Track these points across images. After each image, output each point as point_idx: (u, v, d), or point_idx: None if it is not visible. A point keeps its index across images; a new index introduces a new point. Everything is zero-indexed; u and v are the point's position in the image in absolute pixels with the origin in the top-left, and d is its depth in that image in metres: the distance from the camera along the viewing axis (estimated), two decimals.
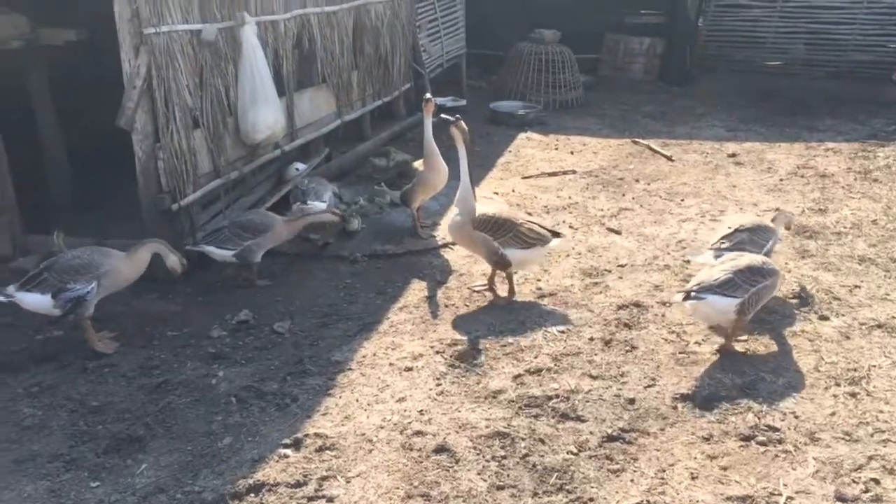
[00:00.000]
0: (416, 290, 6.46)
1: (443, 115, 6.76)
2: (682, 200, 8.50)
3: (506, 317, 5.93)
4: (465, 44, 14.03)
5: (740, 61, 15.35)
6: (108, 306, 5.89)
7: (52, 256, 5.70)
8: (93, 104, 7.81)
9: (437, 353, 5.43)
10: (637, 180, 9.26)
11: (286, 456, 4.38)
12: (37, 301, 5.37)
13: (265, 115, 7.15)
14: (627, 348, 5.47)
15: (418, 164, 7.68)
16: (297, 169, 8.26)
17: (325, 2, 8.69)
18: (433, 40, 12.41)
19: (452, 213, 6.27)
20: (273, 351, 5.55)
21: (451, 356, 5.37)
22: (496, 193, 8.73)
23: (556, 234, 6.19)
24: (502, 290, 6.29)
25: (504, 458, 4.32)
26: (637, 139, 11.04)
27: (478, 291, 6.34)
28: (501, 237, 5.96)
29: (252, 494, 4.10)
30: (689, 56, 15.22)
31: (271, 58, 7.55)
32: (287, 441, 4.50)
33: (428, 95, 7.40)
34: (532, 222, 6.12)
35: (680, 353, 5.38)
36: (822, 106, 12.96)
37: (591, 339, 5.59)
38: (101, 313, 5.69)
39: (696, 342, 5.51)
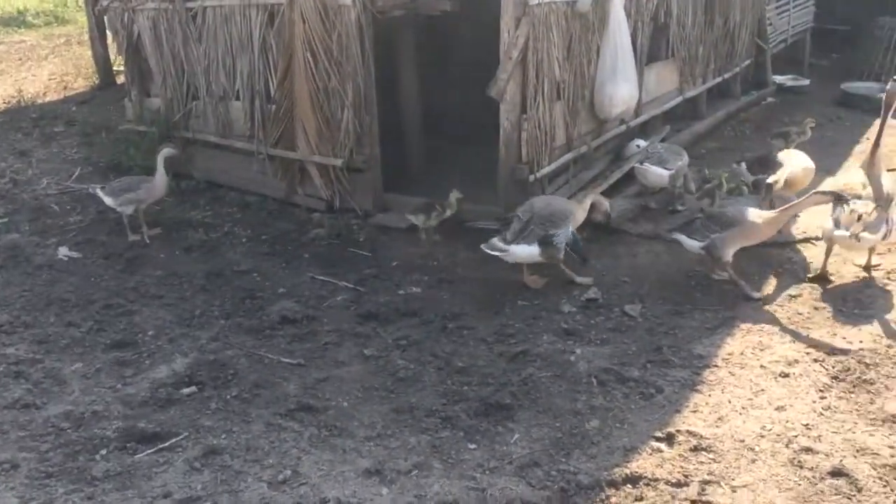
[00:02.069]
0: (778, 286, 5.93)
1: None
2: None
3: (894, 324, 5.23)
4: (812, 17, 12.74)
5: None
6: (461, 273, 6.12)
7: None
8: (464, 74, 8.07)
9: (816, 361, 4.91)
10: None
11: (660, 450, 4.19)
12: (525, 251, 5.73)
13: (623, 90, 6.95)
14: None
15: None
16: (637, 146, 7.97)
17: None
18: (781, 12, 11.40)
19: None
20: (627, 334, 5.38)
21: (833, 367, 4.83)
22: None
23: None
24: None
25: None
26: None
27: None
28: None
29: (629, 485, 3.96)
30: None
31: (631, 30, 7.30)
32: (659, 434, 4.31)
33: None
34: None
35: None
36: None
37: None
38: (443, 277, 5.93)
39: None
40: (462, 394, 4.78)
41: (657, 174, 6.87)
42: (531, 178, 6.37)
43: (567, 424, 4.45)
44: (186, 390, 4.85)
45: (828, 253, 5.92)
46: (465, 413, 4.59)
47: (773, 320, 5.44)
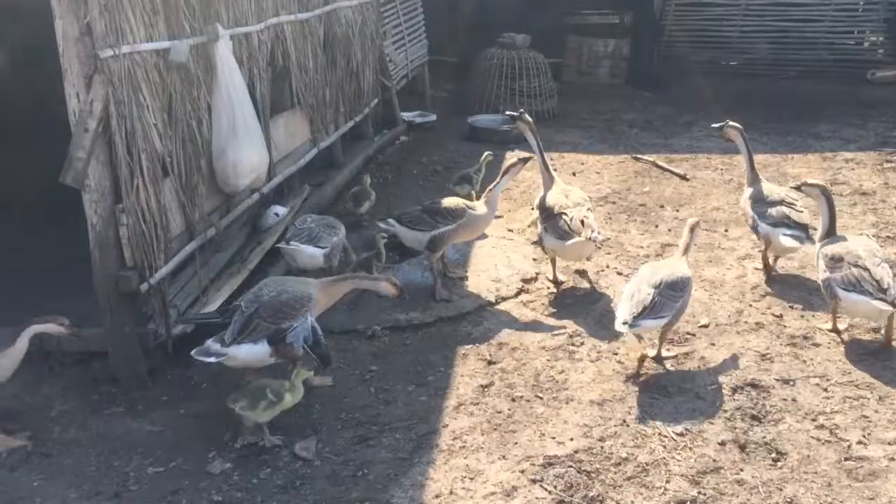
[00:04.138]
0: (466, 376, 5.05)
1: (507, 112, 6.93)
2: (727, 231, 7.37)
3: (598, 413, 4.59)
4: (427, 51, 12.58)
5: (704, 63, 14.54)
6: (54, 430, 4.31)
7: None
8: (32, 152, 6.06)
9: (535, 481, 4.04)
10: (662, 206, 8.09)
11: None
12: (251, 351, 4.48)
13: (248, 153, 5.59)
14: (774, 455, 4.21)
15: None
16: (276, 214, 6.69)
17: (297, 7, 7.13)
18: (398, 48, 10.95)
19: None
20: (304, 491, 4.05)
21: (555, 486, 3.99)
22: (510, 231, 7.38)
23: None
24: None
25: None
26: (638, 155, 9.90)
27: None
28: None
29: None
30: (657, 58, 14.29)
31: (247, 78, 5.96)
32: None
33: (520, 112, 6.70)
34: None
35: (845, 458, 4.17)
36: (807, 110, 12.15)
37: (722, 443, 4.31)
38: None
39: (858, 441, 4.31)
40: None
41: (309, 255, 5.63)
42: (143, 286, 4.71)
43: None
44: None
45: (553, 263, 6.20)
46: None
47: (473, 427, 4.50)
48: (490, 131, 10.58)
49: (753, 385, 4.84)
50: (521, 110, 6.62)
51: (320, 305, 4.80)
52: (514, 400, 4.77)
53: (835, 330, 5.38)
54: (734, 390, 4.80)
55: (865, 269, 4.98)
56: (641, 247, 7.01)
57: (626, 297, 4.82)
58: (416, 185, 8.75)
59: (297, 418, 4.62)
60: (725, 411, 4.60)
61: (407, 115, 11.05)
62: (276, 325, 4.48)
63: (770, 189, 6.29)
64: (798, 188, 5.81)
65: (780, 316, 5.67)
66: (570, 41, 14.43)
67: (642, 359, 5.00)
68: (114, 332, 4.75)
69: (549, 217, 5.92)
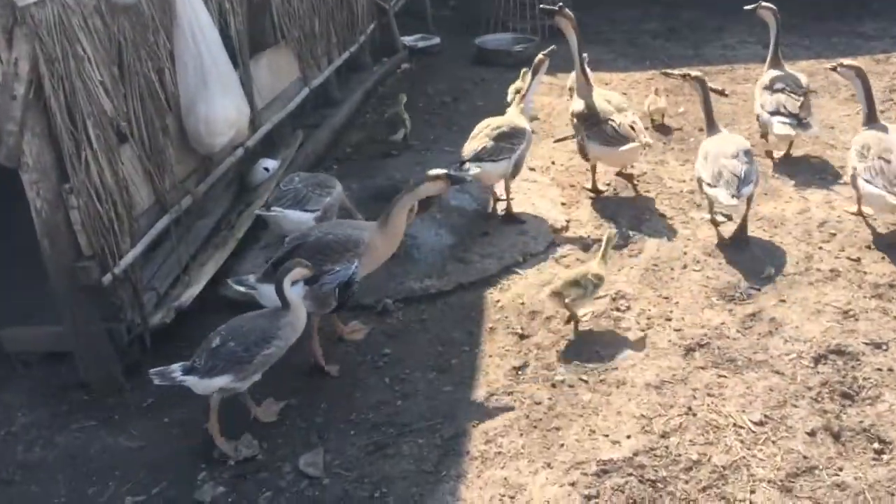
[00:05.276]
0: (495, 356, 4.31)
1: (542, 6, 6.43)
2: (778, 160, 6.47)
3: (656, 400, 3.85)
4: None
5: None
6: (17, 448, 3.67)
7: None
8: None
9: (589, 498, 3.33)
10: (701, 129, 7.14)
11: None
12: None
13: (223, 106, 4.75)
14: (876, 446, 3.48)
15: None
16: (265, 169, 5.87)
17: None
18: None
19: None
20: None
21: (613, 501, 3.29)
22: (532, 170, 6.51)
23: None
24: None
25: None
26: (667, 70, 8.85)
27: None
28: None
29: None
30: None
31: (216, 15, 5.05)
32: None
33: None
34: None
35: None
36: (850, 3, 10.97)
37: (812, 433, 3.58)
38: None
39: None
40: None
41: (296, 221, 4.82)
42: (107, 278, 3.96)
43: None
44: None
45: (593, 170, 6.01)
46: None
47: (509, 425, 3.78)
48: (501, 53, 9.55)
49: (839, 352, 4.07)
50: (560, 3, 6.04)
51: (380, 252, 4.20)
52: (554, 385, 4.04)
53: (859, 213, 5.31)
54: (817, 360, 4.03)
55: (889, 161, 4.84)
56: (684, 181, 6.15)
57: (714, 178, 4.94)
58: (423, 120, 7.83)
59: (299, 421, 3.93)
60: (810, 388, 3.84)
61: (408, 40, 10.01)
62: (315, 268, 3.93)
63: (778, 76, 6.27)
64: (834, 69, 5.60)
65: (858, 260, 4.85)
66: None
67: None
68: (77, 331, 4.04)
69: (595, 124, 5.67)
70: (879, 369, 3.93)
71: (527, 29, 10.50)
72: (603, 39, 10.55)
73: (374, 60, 9.20)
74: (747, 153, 5.11)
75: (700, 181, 5.23)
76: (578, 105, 5.90)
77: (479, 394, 4.03)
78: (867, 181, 4.91)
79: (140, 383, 4.24)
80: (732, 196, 4.84)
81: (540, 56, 5.94)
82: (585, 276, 4.29)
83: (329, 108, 7.70)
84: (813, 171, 6.07)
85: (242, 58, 5.58)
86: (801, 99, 6.04)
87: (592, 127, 5.69)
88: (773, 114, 6.05)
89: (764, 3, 6.56)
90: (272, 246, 5.36)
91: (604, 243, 4.47)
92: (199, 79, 4.60)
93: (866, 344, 4.11)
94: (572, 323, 4.41)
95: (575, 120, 5.94)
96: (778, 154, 6.33)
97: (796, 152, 6.37)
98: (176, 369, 3.64)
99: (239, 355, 3.63)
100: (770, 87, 6.22)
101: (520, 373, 4.16)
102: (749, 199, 5.04)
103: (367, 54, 8.91)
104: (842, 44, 9.40)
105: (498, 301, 4.80)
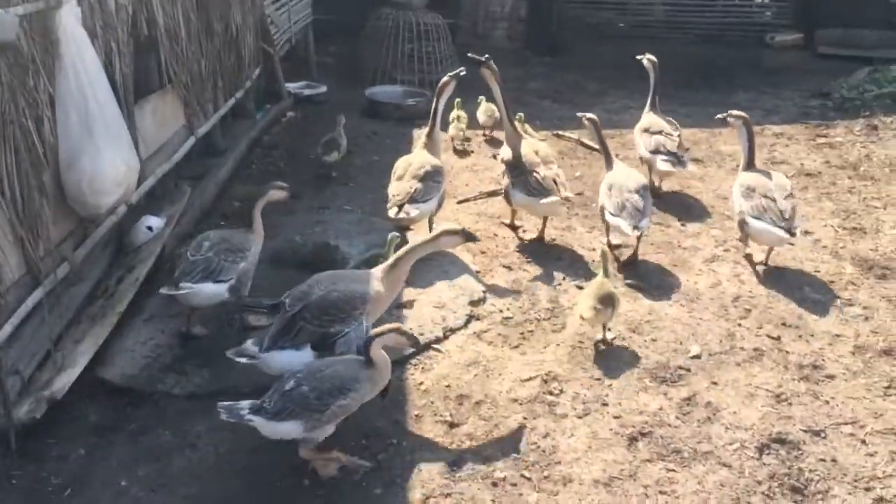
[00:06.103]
0: (426, 450, 3.89)
1: (470, 54, 6.19)
2: (683, 225, 6.51)
3: (607, 500, 3.56)
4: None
5: (601, 25, 13.93)
6: None
7: None
8: None
9: None
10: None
11: None
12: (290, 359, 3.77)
13: (111, 159, 4.15)
14: None
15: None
16: (148, 228, 5.22)
17: None
18: (280, 7, 9.37)
19: None
20: None
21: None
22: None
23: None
24: None
25: None
26: (559, 132, 8.94)
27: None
28: None
29: None
30: (556, 20, 13.36)
31: (102, 55, 4.44)
32: None
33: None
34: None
35: None
36: (717, 77, 11.60)
37: None
38: None
39: None
40: None
41: (210, 294, 4.24)
42: None
43: None
44: None
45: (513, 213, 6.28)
46: None
47: None
48: (392, 106, 9.26)
49: (781, 440, 3.95)
50: (487, 55, 6.06)
51: (384, 300, 3.97)
52: (495, 484, 3.67)
53: (747, 257, 5.78)
54: (760, 450, 3.89)
55: (773, 199, 5.38)
56: (594, 248, 6.03)
57: (617, 209, 5.43)
58: (316, 174, 7.38)
59: None
60: (759, 483, 3.69)
61: (293, 87, 9.56)
62: (322, 330, 3.82)
63: (655, 120, 6.92)
64: (724, 118, 6.07)
65: (779, 338, 4.84)
66: (465, 0, 13.24)
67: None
68: None
69: (521, 174, 5.77)
70: (823, 460, 3.84)
71: (414, 82, 10.31)
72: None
73: (258, 107, 8.68)
74: (645, 188, 5.64)
75: (603, 209, 5.67)
76: (507, 153, 6.02)
77: (415, 497, 3.59)
78: (756, 218, 5.40)
79: (5, 490, 3.50)
80: (634, 227, 5.33)
81: (445, 78, 5.88)
82: (609, 291, 4.56)
83: (213, 157, 7.13)
84: (715, 244, 6.11)
85: (128, 104, 4.95)
86: (678, 139, 6.78)
87: (518, 176, 5.78)
88: (654, 153, 6.67)
89: (649, 56, 7.30)
90: (156, 318, 4.73)
91: (601, 261, 4.79)
92: (83, 128, 3.98)
93: (804, 431, 4.03)
94: (602, 337, 4.67)
95: (503, 167, 6.04)
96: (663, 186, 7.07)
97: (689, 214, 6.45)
98: (244, 406, 3.43)
99: (311, 402, 3.36)
100: (648, 130, 6.86)
101: (455, 469, 3.76)
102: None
103: (251, 101, 8.38)
104: (720, 113, 9.79)
105: (421, 384, 4.39)
